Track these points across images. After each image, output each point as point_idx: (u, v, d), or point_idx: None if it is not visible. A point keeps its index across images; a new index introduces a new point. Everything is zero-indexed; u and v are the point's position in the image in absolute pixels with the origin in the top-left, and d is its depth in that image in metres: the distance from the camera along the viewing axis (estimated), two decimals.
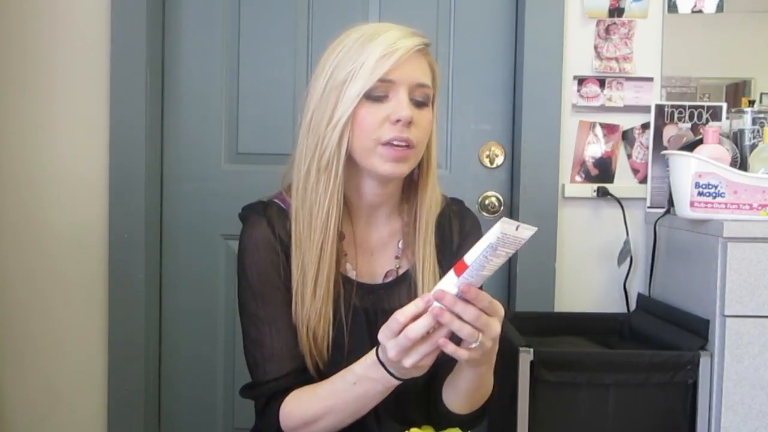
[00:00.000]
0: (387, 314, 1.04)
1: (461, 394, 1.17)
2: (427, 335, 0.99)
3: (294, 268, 1.17)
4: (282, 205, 1.23)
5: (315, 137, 1.15)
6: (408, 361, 1.00)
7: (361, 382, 1.09)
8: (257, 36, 2.04)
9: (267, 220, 1.20)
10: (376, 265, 1.25)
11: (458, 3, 2.05)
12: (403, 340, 0.98)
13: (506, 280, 2.06)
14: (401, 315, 0.99)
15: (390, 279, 1.24)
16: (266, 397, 1.19)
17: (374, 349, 1.08)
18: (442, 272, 1.11)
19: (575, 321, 1.92)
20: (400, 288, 1.22)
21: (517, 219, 1.97)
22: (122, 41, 1.95)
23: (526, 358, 1.57)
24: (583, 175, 2.01)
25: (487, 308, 0.98)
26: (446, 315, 0.97)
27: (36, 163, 1.98)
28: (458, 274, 0.96)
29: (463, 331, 0.97)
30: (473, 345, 0.99)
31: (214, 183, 2.04)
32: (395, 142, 1.12)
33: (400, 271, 1.25)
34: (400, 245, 1.25)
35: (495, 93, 2.07)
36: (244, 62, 2.04)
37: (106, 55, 1.95)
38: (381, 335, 1.01)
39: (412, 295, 1.20)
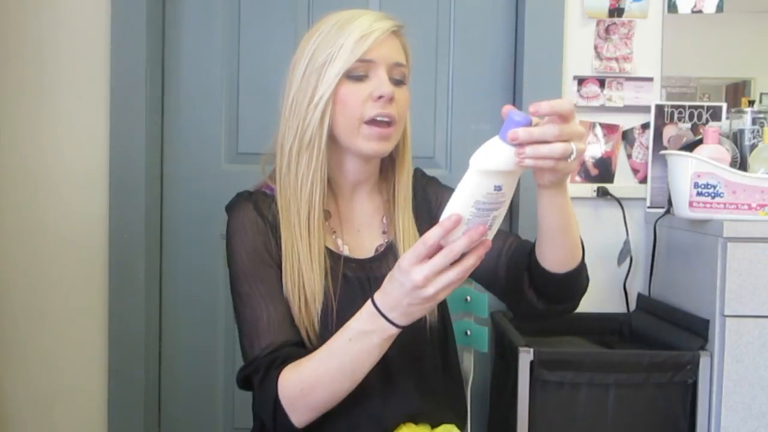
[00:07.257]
0: (379, 282, 1.05)
1: (556, 239, 1.11)
2: (455, 263, 0.99)
3: (283, 249, 1.18)
4: (267, 191, 1.25)
5: (297, 117, 1.18)
6: (431, 289, 0.99)
7: (358, 337, 1.08)
8: (257, 36, 2.04)
9: (253, 204, 1.22)
10: (365, 241, 1.27)
11: (458, 3, 2.05)
12: (437, 262, 0.98)
13: None
14: (429, 238, 0.98)
15: (380, 252, 1.26)
16: (265, 367, 1.14)
17: (369, 301, 1.07)
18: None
19: (575, 321, 1.92)
20: (388, 259, 1.24)
21: (517, 219, 1.99)
22: (122, 41, 1.95)
23: (526, 358, 1.57)
24: (583, 175, 2.01)
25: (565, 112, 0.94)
26: (529, 149, 0.93)
27: (36, 162, 1.98)
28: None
29: (556, 150, 0.93)
30: (572, 158, 0.95)
31: (214, 183, 2.04)
32: (379, 118, 1.15)
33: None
34: (384, 220, 1.27)
35: (495, 93, 2.07)
36: (244, 62, 2.05)
37: (106, 55, 1.96)
38: (405, 261, 1.00)
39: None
